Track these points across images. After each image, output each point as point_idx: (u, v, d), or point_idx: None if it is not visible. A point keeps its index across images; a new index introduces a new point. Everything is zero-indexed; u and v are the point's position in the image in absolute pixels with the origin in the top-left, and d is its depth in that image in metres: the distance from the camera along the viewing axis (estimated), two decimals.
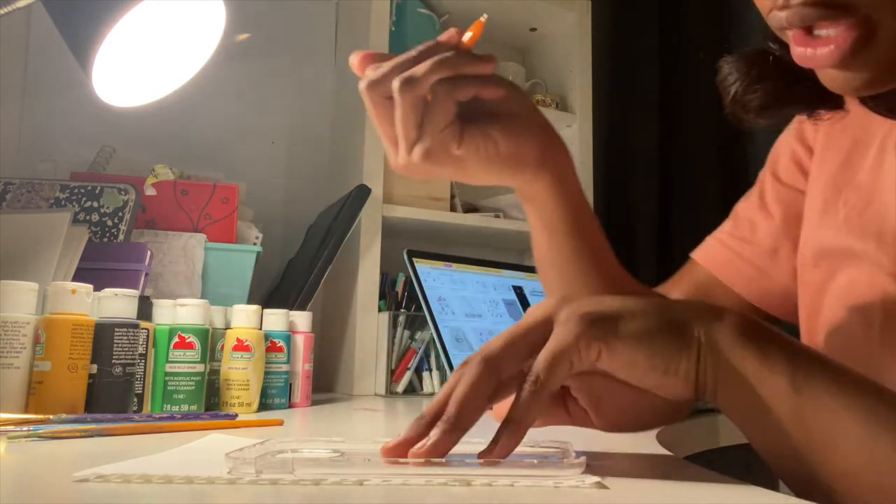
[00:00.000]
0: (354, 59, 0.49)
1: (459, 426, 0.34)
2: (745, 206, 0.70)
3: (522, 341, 0.37)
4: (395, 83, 0.45)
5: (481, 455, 0.34)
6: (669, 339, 0.36)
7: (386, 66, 0.47)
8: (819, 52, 0.39)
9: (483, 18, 0.50)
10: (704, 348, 0.36)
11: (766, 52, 0.51)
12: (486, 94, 0.49)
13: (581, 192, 0.57)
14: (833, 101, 0.51)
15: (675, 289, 0.70)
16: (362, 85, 0.48)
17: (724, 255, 0.68)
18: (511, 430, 0.35)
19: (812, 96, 0.50)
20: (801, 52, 0.41)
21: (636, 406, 0.39)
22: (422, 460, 0.33)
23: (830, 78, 0.42)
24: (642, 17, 1.70)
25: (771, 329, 0.37)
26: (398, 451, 0.35)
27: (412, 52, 0.47)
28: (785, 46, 0.46)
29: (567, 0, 1.54)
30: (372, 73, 0.47)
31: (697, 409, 0.88)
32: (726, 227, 0.70)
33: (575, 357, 0.35)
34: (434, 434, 0.34)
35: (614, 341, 0.35)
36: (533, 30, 1.63)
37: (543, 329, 0.37)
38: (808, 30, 0.40)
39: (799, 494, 0.36)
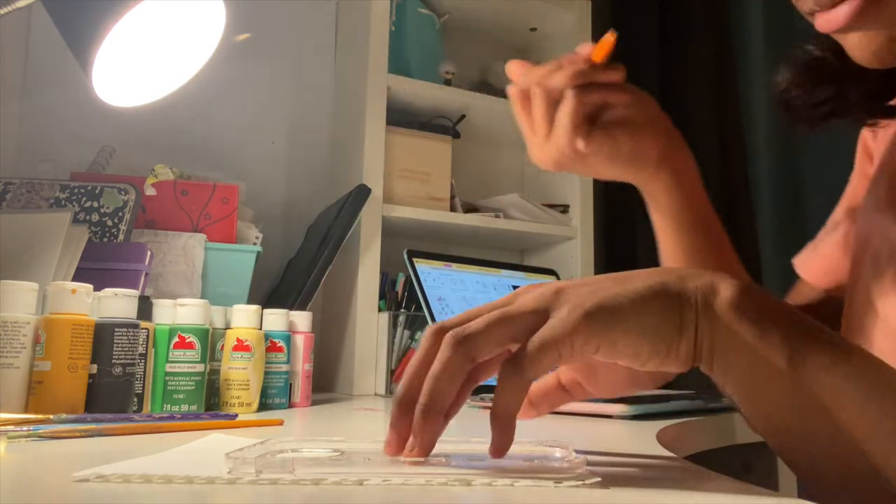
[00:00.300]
0: (510, 67, 0.59)
1: (436, 411, 0.34)
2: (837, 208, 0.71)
3: (507, 327, 0.35)
4: (535, 88, 0.55)
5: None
6: (670, 325, 0.35)
7: (531, 73, 0.57)
8: (839, 11, 0.42)
9: (612, 34, 0.55)
10: (701, 326, 0.35)
11: (816, 60, 0.53)
12: (613, 99, 0.57)
13: (702, 191, 0.62)
14: (888, 109, 0.52)
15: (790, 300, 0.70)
16: (511, 88, 0.58)
17: (805, 254, 0.70)
18: (500, 426, 0.34)
19: (865, 100, 0.52)
20: (823, 20, 0.43)
21: (632, 375, 0.39)
22: (421, 460, 0.33)
23: (855, 45, 0.45)
24: (642, 17, 1.70)
25: (768, 300, 0.37)
26: (396, 450, 0.35)
27: (553, 64, 0.56)
28: (831, 50, 0.50)
29: (567, 0, 1.54)
30: (520, 79, 0.58)
31: (699, 409, 0.88)
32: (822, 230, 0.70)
33: (566, 350, 0.34)
34: (417, 430, 0.34)
35: (615, 336, 0.35)
36: (533, 30, 1.63)
37: (534, 318, 0.35)
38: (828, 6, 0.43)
39: (798, 472, 0.36)
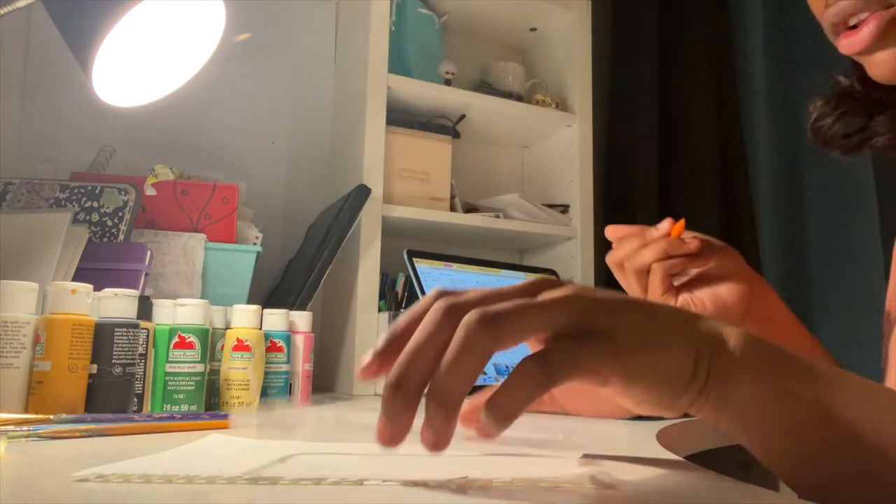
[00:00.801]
0: (609, 232, 0.70)
1: (457, 403, 0.31)
2: None
3: (540, 320, 0.32)
4: (627, 263, 0.65)
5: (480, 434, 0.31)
6: (682, 379, 0.34)
7: (622, 247, 0.66)
8: (860, 34, 0.45)
9: (682, 221, 0.67)
10: (710, 386, 0.34)
11: (845, 90, 0.56)
12: (694, 265, 0.67)
13: (792, 330, 0.70)
14: None
15: None
16: (609, 257, 0.68)
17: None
18: (496, 419, 0.30)
19: (893, 129, 0.54)
20: (846, 43, 0.47)
21: (615, 408, 0.39)
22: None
23: (878, 65, 0.47)
24: (642, 16, 1.70)
25: (779, 348, 0.36)
26: (391, 441, 0.31)
27: (639, 235, 0.66)
28: (858, 80, 0.53)
29: (567, 0, 1.54)
30: (616, 251, 0.67)
31: None
32: None
33: (590, 378, 0.33)
34: (439, 426, 0.30)
35: (636, 385, 0.33)
36: (533, 30, 1.63)
37: (565, 320, 0.33)
38: (847, 25, 0.46)
39: (816, 495, 0.36)
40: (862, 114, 0.55)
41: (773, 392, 0.34)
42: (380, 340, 0.34)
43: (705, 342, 0.35)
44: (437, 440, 0.31)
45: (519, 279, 1.27)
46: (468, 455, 0.40)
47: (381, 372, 0.33)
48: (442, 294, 0.33)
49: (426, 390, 0.31)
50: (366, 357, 0.34)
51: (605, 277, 1.62)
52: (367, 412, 0.86)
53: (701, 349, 0.34)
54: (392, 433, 0.31)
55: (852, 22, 0.46)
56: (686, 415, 0.36)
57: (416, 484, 0.31)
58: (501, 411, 0.30)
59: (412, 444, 0.31)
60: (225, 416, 0.64)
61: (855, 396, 0.35)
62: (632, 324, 0.34)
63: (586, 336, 0.33)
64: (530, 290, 0.35)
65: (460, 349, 0.30)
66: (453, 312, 0.32)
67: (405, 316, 0.34)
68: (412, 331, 0.33)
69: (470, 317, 0.31)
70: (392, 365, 0.32)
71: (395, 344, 0.33)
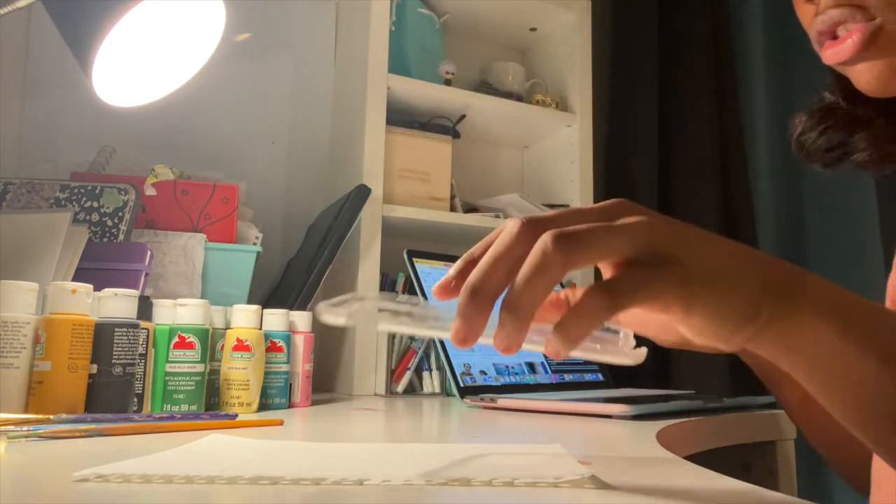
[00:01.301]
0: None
1: (528, 315, 0.32)
2: None
3: (616, 242, 0.33)
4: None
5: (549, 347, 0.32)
6: (738, 319, 0.34)
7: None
8: (844, 44, 0.46)
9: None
10: (770, 326, 0.35)
11: (828, 105, 0.56)
12: None
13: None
14: (887, 156, 0.55)
15: None
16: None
17: None
18: (561, 339, 0.32)
19: (873, 147, 0.54)
20: (830, 52, 0.47)
21: (669, 330, 0.39)
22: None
23: (861, 74, 0.47)
24: (642, 16, 1.70)
25: (854, 296, 0.37)
26: (465, 343, 0.33)
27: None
28: (843, 96, 0.54)
29: (567, 0, 1.54)
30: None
31: (699, 409, 0.88)
32: None
33: (656, 305, 0.33)
34: (511, 332, 0.32)
35: (691, 315, 0.34)
36: (533, 30, 1.63)
37: (639, 245, 0.33)
38: (833, 35, 0.47)
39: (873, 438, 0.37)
40: (844, 129, 0.56)
41: (837, 336, 0.35)
42: (457, 263, 0.36)
43: (772, 284, 0.35)
44: (510, 345, 0.32)
45: None
46: (468, 455, 0.40)
47: (457, 291, 0.35)
48: (525, 218, 0.35)
49: (502, 299, 0.33)
50: (445, 277, 0.36)
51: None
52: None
53: (766, 290, 0.35)
54: (465, 335, 0.33)
55: (839, 33, 0.47)
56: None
57: (416, 483, 0.31)
58: (567, 335, 0.32)
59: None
60: (231, 416, 0.64)
61: None
62: (703, 255, 0.35)
63: (656, 263, 0.33)
64: (609, 211, 0.36)
65: (536, 267, 0.32)
66: (530, 228, 0.34)
67: (482, 241, 0.37)
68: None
69: (546, 236, 0.32)
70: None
71: (472, 265, 0.35)
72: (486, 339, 0.33)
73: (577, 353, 0.35)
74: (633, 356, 0.37)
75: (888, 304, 0.60)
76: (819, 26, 0.48)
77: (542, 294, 0.32)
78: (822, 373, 0.37)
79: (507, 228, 0.35)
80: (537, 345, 0.34)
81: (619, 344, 0.37)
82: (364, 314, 0.33)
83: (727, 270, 0.35)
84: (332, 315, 0.34)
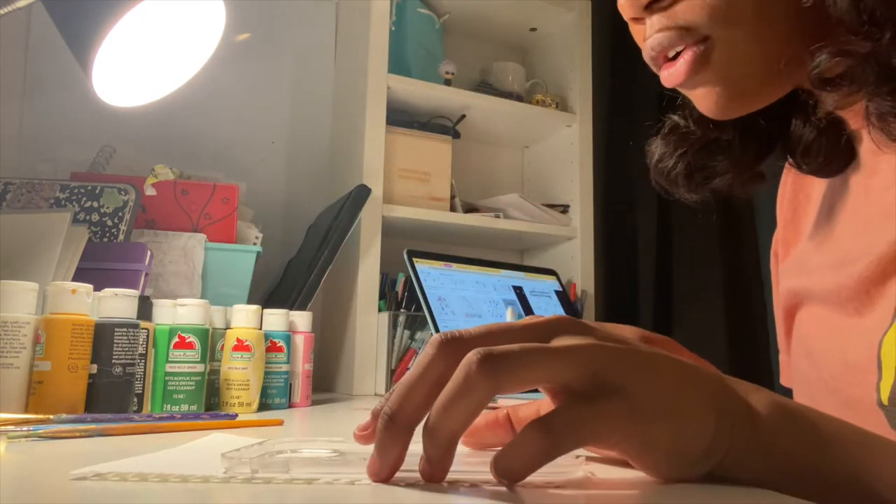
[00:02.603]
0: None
1: (452, 443, 0.30)
2: None
3: (547, 369, 0.30)
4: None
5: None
6: (694, 453, 0.32)
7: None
8: (677, 67, 0.44)
9: None
10: (731, 456, 0.32)
11: (680, 129, 0.54)
12: None
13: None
14: (756, 175, 0.53)
15: None
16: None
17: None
18: (503, 476, 0.30)
19: (732, 167, 0.52)
20: (665, 74, 0.45)
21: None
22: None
23: (700, 99, 0.46)
24: None
25: (809, 416, 0.34)
26: (385, 477, 0.31)
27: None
28: (692, 118, 0.52)
29: (567, 0, 1.54)
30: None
31: None
32: None
33: (597, 442, 0.31)
34: (435, 461, 0.30)
35: (644, 455, 0.31)
36: (533, 30, 1.63)
37: (576, 372, 0.31)
38: (667, 57, 0.45)
39: None
40: (702, 154, 0.53)
41: (803, 467, 0.33)
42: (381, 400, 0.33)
43: (727, 412, 0.32)
44: (433, 473, 0.30)
45: (519, 279, 1.27)
46: (465, 452, 0.40)
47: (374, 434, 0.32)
48: (446, 335, 0.32)
49: (422, 425, 0.30)
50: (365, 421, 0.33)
51: (605, 277, 1.63)
52: None
53: (722, 420, 0.32)
54: (379, 467, 0.30)
55: (670, 54, 0.45)
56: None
57: (412, 484, 0.31)
58: (506, 475, 0.29)
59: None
60: (231, 416, 0.64)
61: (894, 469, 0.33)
62: (652, 385, 0.32)
63: (599, 395, 0.30)
64: (543, 330, 0.33)
65: (457, 390, 0.29)
66: (452, 346, 0.31)
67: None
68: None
69: (472, 355, 0.29)
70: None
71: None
72: (411, 473, 0.30)
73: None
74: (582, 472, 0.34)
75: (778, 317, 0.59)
76: (649, 52, 0.45)
77: (465, 420, 0.29)
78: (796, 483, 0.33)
79: (427, 346, 0.31)
80: (477, 475, 0.31)
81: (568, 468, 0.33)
82: (275, 465, 0.31)
83: (679, 400, 0.32)
84: (237, 467, 0.31)
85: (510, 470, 0.29)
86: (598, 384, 0.30)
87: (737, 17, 0.42)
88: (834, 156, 0.50)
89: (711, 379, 0.34)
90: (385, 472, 0.30)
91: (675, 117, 0.54)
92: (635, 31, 0.48)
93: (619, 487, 0.33)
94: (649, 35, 0.45)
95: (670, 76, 0.45)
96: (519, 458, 0.29)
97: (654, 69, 0.48)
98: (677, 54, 0.44)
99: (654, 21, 0.45)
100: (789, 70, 0.42)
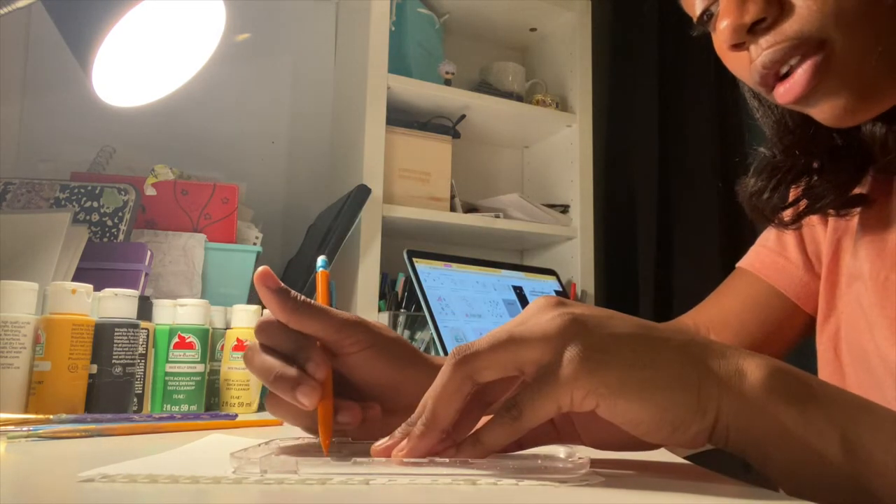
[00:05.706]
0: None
1: (433, 428, 0.34)
2: None
3: (512, 353, 0.33)
4: None
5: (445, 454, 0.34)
6: (680, 400, 0.32)
7: None
8: (795, 80, 0.43)
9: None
10: (725, 410, 0.33)
11: (772, 163, 0.54)
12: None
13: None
14: (854, 198, 0.52)
15: (727, 299, 0.67)
16: None
17: (768, 258, 0.66)
18: (475, 450, 0.33)
19: (832, 192, 0.52)
20: (781, 91, 0.44)
21: (630, 438, 0.35)
22: (403, 460, 0.33)
23: (822, 110, 0.44)
24: (642, 16, 1.70)
25: (802, 378, 0.34)
26: (385, 453, 0.34)
27: None
28: (782, 150, 0.52)
29: (567, 0, 1.54)
30: None
31: None
32: (770, 235, 0.67)
33: (565, 402, 0.32)
34: (411, 437, 0.34)
35: (615, 399, 0.32)
36: (533, 30, 1.63)
37: (542, 347, 0.33)
38: (779, 74, 0.44)
39: None
40: (795, 182, 0.53)
41: (795, 427, 0.33)
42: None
43: (714, 382, 0.33)
44: (413, 447, 0.34)
45: (519, 279, 1.27)
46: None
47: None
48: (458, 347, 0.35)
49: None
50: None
51: (605, 277, 1.63)
52: None
53: (708, 390, 0.33)
54: (385, 446, 0.35)
55: (783, 70, 0.44)
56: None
57: (421, 483, 0.31)
58: (475, 451, 0.34)
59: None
60: (231, 417, 0.64)
61: (884, 432, 0.33)
62: (618, 331, 0.33)
63: (562, 362, 0.32)
64: (523, 318, 0.35)
65: (436, 385, 0.34)
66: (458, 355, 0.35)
67: None
68: None
69: (449, 357, 0.34)
70: None
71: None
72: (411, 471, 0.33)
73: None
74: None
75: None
76: (760, 70, 0.44)
77: (443, 411, 0.34)
78: (781, 466, 0.34)
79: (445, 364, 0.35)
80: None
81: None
82: (279, 464, 0.32)
83: (656, 375, 0.33)
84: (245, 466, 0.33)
85: (490, 446, 0.33)
86: (559, 352, 0.33)
87: (850, 17, 0.41)
88: None
89: (697, 347, 0.34)
90: (413, 456, 0.34)
91: (762, 149, 0.54)
92: (734, 59, 0.47)
93: (622, 487, 0.33)
94: (756, 56, 0.44)
95: (788, 91, 0.44)
96: (489, 435, 0.33)
97: (763, 92, 0.47)
98: (789, 71, 0.43)
99: (762, 42, 0.44)
100: None
